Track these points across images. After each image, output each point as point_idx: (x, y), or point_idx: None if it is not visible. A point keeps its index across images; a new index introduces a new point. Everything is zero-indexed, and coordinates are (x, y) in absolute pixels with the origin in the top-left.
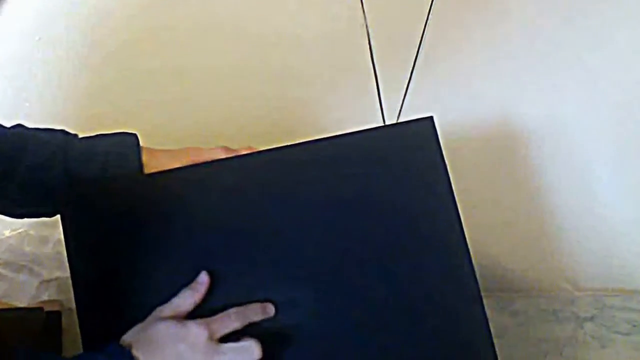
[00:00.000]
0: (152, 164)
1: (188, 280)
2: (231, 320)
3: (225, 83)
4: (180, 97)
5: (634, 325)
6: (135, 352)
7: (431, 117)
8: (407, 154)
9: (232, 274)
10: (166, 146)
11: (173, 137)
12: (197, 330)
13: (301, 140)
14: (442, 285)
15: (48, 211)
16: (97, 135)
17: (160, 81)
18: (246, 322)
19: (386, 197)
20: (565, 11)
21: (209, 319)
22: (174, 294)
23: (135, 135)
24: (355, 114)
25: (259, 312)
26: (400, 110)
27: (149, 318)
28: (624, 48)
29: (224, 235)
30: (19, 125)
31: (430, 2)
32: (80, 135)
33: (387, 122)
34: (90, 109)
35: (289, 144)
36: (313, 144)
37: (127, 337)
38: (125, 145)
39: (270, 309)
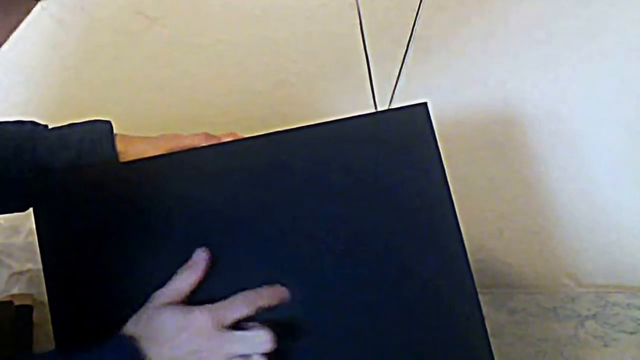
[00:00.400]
0: (129, 152)
1: (166, 273)
2: (237, 306)
3: (207, 65)
4: (159, 80)
5: (639, 324)
6: (141, 345)
7: (425, 103)
8: (400, 141)
9: (215, 267)
10: (144, 132)
11: (151, 122)
12: (202, 318)
13: (288, 127)
14: (435, 280)
15: (20, 205)
16: (67, 125)
17: (136, 63)
18: (256, 308)
19: (377, 187)
20: None
21: (214, 305)
22: (150, 286)
23: (108, 122)
24: (346, 98)
25: (271, 297)
26: (392, 95)
27: (148, 306)
28: (626, 36)
29: (205, 227)
30: None
31: None
32: (51, 126)
33: (379, 108)
34: (64, 92)
35: (275, 130)
36: (301, 131)
37: (129, 330)
38: (98, 133)
39: (285, 294)
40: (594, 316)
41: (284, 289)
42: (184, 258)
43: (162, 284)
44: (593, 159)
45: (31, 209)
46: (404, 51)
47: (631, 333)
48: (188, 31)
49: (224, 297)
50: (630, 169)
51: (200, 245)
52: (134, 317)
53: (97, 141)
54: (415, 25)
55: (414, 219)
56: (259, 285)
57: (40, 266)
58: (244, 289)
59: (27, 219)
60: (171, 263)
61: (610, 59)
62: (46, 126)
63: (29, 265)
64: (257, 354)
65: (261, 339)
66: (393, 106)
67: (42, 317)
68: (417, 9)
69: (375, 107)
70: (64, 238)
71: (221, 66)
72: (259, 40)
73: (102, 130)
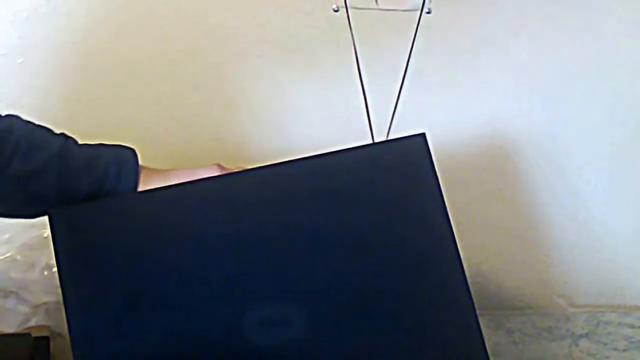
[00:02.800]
0: (147, 185)
1: (184, 299)
2: None
3: (213, 103)
4: (159, 118)
5: (631, 342)
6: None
7: (423, 134)
8: (400, 171)
9: (224, 290)
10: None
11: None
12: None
13: (291, 158)
14: (436, 303)
15: (34, 213)
16: (96, 145)
17: (132, 97)
18: None
19: (378, 216)
20: (562, 26)
21: None
22: (168, 315)
23: (133, 150)
24: (343, 130)
25: None
26: (389, 127)
27: None
28: (618, 63)
29: (217, 252)
30: (12, 116)
31: (418, 16)
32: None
33: (376, 139)
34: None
35: (277, 162)
36: (303, 162)
37: None
38: (124, 161)
39: None
40: (587, 335)
41: None
42: (200, 285)
43: (179, 311)
44: (585, 185)
45: (46, 245)
46: (400, 85)
47: (623, 350)
48: (188, 69)
49: (235, 321)
50: (621, 195)
51: (214, 271)
52: None
53: (122, 170)
54: (410, 59)
55: (414, 247)
56: (266, 310)
57: (56, 299)
58: (251, 313)
59: (42, 254)
60: (188, 290)
61: (602, 88)
62: (75, 142)
63: (45, 299)
64: None
65: None
66: (390, 137)
67: (59, 349)
68: (411, 45)
69: (373, 138)
70: (82, 268)
71: (225, 104)
72: (260, 78)
73: (127, 158)
